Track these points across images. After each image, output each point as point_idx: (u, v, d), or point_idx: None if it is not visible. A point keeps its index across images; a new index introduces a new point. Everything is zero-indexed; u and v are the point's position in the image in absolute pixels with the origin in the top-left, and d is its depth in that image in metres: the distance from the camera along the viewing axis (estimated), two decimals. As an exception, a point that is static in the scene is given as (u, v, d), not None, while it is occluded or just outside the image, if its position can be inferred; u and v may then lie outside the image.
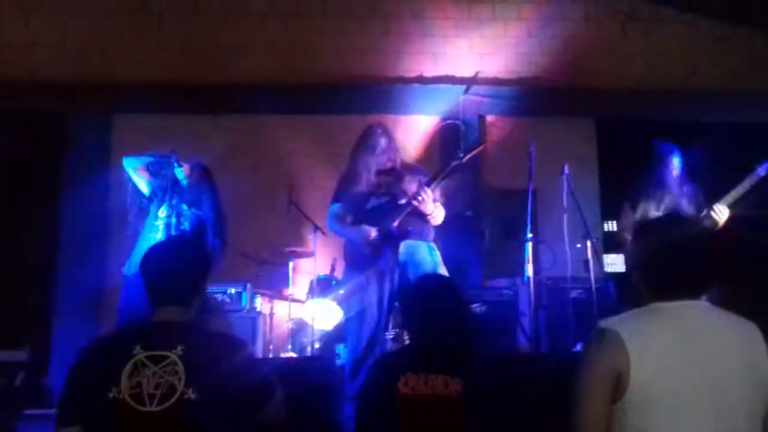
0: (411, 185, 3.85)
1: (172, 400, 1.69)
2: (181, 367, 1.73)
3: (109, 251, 5.37)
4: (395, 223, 3.76)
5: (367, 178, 3.88)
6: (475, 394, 2.36)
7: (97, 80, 5.71)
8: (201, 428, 1.71)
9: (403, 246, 3.79)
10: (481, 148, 3.89)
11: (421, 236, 3.88)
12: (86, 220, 5.51)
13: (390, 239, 3.76)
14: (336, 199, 3.98)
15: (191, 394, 1.70)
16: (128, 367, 1.73)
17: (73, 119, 5.84)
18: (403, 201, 3.78)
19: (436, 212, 3.84)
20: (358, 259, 3.83)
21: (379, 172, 3.90)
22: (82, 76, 5.70)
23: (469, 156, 3.76)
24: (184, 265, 1.94)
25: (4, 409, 3.37)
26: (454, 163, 3.78)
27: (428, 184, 3.74)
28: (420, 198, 3.68)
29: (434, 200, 3.79)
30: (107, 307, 5.23)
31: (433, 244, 3.95)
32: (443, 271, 3.87)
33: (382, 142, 3.92)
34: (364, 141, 3.96)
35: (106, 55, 5.77)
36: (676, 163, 4.24)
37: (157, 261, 1.95)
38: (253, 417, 1.80)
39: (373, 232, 3.74)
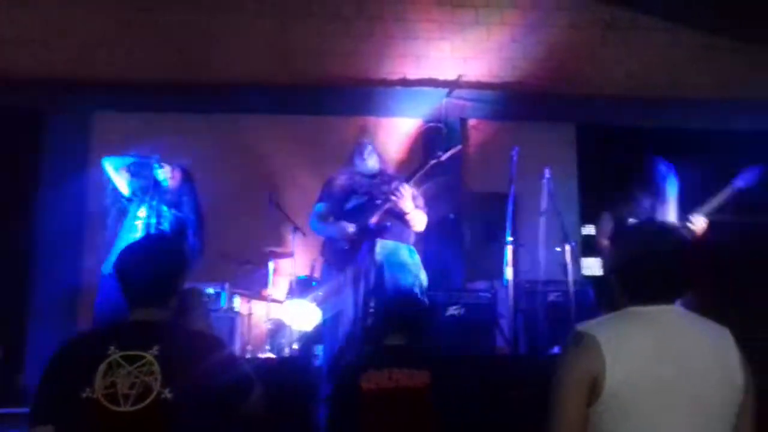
0: (389, 186, 3.91)
1: (148, 400, 1.68)
2: (157, 367, 1.72)
3: (87, 250, 5.30)
4: (373, 219, 3.82)
5: (350, 180, 3.99)
6: (444, 387, 2.35)
7: (76, 76, 5.66)
8: (178, 428, 1.70)
9: (380, 246, 3.84)
10: (458, 148, 4.03)
11: (400, 238, 3.92)
12: (63, 218, 5.42)
13: (367, 235, 3.82)
14: (320, 199, 4.10)
15: (168, 394, 1.69)
16: (102, 366, 1.72)
17: (51, 117, 5.75)
18: (380, 200, 3.85)
19: (415, 214, 3.89)
20: (336, 255, 3.88)
21: (363, 175, 4.02)
22: (61, 73, 5.65)
23: (447, 155, 3.86)
24: (161, 265, 1.92)
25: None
26: (432, 162, 3.88)
27: (406, 181, 3.83)
28: (398, 194, 3.74)
29: (414, 198, 3.86)
30: (84, 306, 5.16)
31: (413, 247, 3.99)
32: (423, 274, 3.89)
33: (370, 153, 4.05)
34: (354, 152, 4.08)
35: (86, 51, 5.73)
36: (671, 183, 4.24)
37: (133, 260, 1.93)
38: (232, 413, 1.79)
39: (351, 228, 3.83)
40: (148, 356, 1.73)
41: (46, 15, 5.76)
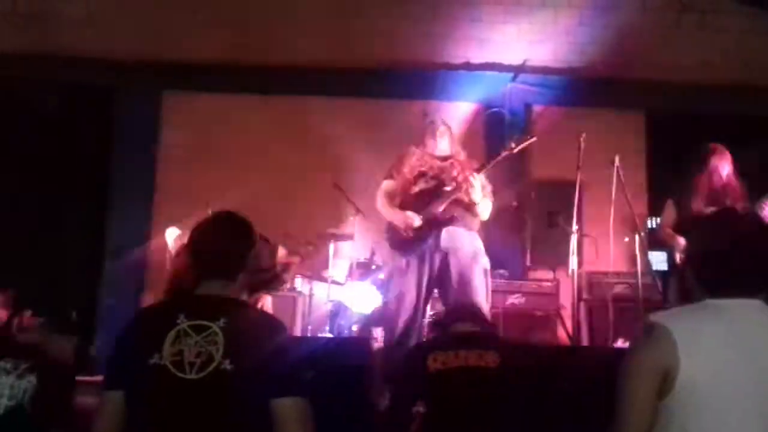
0: (461, 174, 3.81)
1: (209, 368, 1.72)
2: (221, 338, 1.75)
3: (155, 226, 5.47)
4: (440, 209, 3.74)
5: (420, 161, 3.87)
6: (512, 367, 2.34)
7: (144, 57, 5.82)
8: (234, 399, 1.73)
9: (445, 232, 3.77)
10: (532, 140, 3.83)
11: (466, 225, 3.84)
12: (133, 194, 5.62)
13: (433, 225, 3.74)
14: (389, 176, 3.98)
15: (227, 365, 1.71)
16: (171, 334, 1.76)
17: (122, 95, 5.94)
18: (449, 187, 3.76)
19: (483, 203, 3.82)
20: (400, 241, 3.82)
21: (434, 157, 3.90)
22: (130, 53, 5.82)
23: (520, 147, 3.74)
24: (232, 240, 1.96)
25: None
26: (504, 153, 3.78)
27: (477, 171, 3.73)
28: (468, 184, 3.67)
29: (483, 188, 3.78)
30: (152, 279, 5.36)
31: (476, 233, 3.92)
32: (485, 260, 3.85)
33: (443, 134, 3.94)
34: (427, 131, 3.97)
35: (154, 32, 5.88)
36: (725, 165, 4.11)
37: (205, 234, 1.98)
38: (268, 400, 1.75)
39: (416, 221, 3.74)
40: (214, 327, 1.76)
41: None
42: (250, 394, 1.73)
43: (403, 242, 3.80)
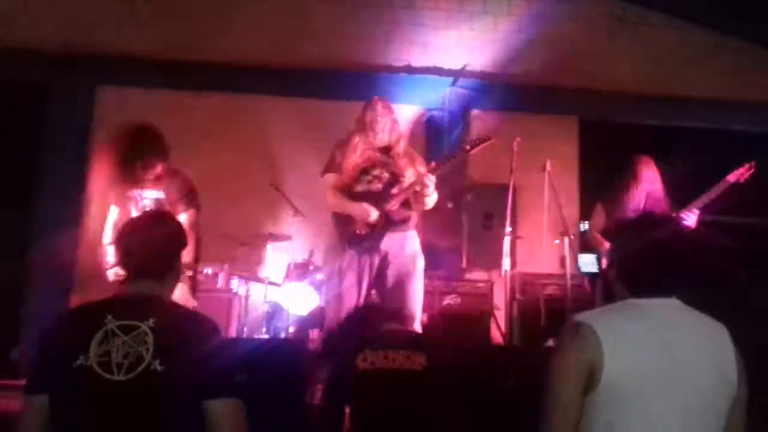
0: (406, 168, 3.77)
1: (138, 369, 1.68)
2: (150, 338, 1.72)
3: (86, 223, 5.30)
4: (390, 207, 3.69)
5: (363, 151, 3.76)
6: (439, 369, 2.36)
7: (78, 50, 5.63)
8: (165, 400, 1.70)
9: (387, 235, 3.71)
10: (489, 142, 3.75)
11: (407, 225, 3.81)
12: (64, 191, 5.43)
13: (387, 224, 3.69)
14: (330, 168, 3.84)
15: (157, 366, 1.69)
16: (98, 335, 1.72)
17: (54, 89, 5.74)
18: (405, 186, 3.70)
19: (432, 197, 3.76)
20: (352, 236, 3.72)
21: (376, 149, 3.80)
22: (63, 46, 5.63)
23: (476, 149, 3.69)
24: (162, 239, 1.93)
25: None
26: (459, 154, 3.75)
27: (432, 172, 3.66)
28: (424, 184, 3.61)
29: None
30: (81, 280, 5.19)
31: (415, 231, 3.88)
32: (422, 261, 3.85)
33: (383, 117, 3.81)
34: (365, 114, 3.84)
35: (92, 26, 5.70)
36: (651, 176, 4.30)
37: (133, 233, 1.94)
38: (200, 401, 1.72)
39: (373, 215, 3.65)
40: (144, 326, 1.73)
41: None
42: (181, 396, 1.70)
43: (354, 237, 3.71)
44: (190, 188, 3.76)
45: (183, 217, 3.58)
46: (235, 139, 5.66)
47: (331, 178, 3.81)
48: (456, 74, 5.96)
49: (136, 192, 3.68)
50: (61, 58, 5.63)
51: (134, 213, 3.61)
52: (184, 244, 1.99)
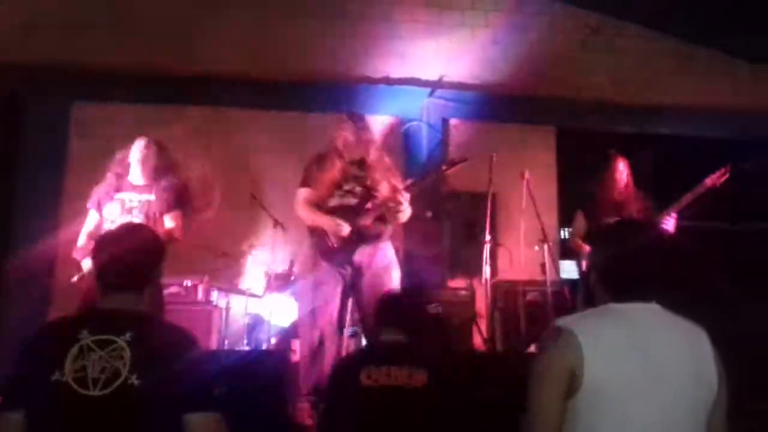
0: (380, 182, 3.81)
1: (116, 384, 1.67)
2: (127, 353, 1.70)
3: (64, 238, 5.23)
4: (365, 223, 3.72)
5: (337, 166, 3.80)
6: (440, 383, 2.37)
7: (55, 64, 5.58)
8: (143, 415, 1.68)
9: (362, 248, 3.76)
10: (464, 162, 3.83)
11: (383, 238, 3.85)
12: (41, 206, 5.36)
13: (360, 238, 3.72)
14: (306, 182, 3.87)
15: (135, 380, 1.67)
16: (74, 350, 1.70)
17: (30, 103, 5.67)
18: (378, 202, 3.74)
19: (406, 211, 3.83)
20: (325, 249, 3.75)
21: (351, 162, 3.83)
22: (40, 59, 5.57)
23: (452, 169, 3.76)
24: (139, 252, 1.91)
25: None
26: (435, 174, 3.85)
27: (407, 190, 3.71)
28: (397, 201, 3.67)
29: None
30: (58, 294, 5.12)
31: (388, 243, 3.91)
32: (397, 270, 3.87)
33: (358, 131, 3.85)
34: (339, 131, 3.88)
35: (66, 39, 5.65)
36: (623, 172, 4.38)
37: (109, 246, 1.92)
38: (179, 415, 1.71)
39: (345, 229, 3.68)
40: (120, 341, 1.72)
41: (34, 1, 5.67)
42: (159, 410, 1.69)
43: (328, 251, 3.73)
44: (180, 192, 3.88)
45: (168, 221, 3.76)
46: (214, 152, 5.63)
47: (303, 192, 3.86)
48: (434, 85, 6.00)
49: (123, 195, 3.78)
50: (37, 72, 5.57)
51: (120, 217, 3.70)
52: (161, 257, 1.97)
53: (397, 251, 4.02)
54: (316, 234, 3.79)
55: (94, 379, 1.67)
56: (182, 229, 3.86)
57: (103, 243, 1.94)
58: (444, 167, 3.78)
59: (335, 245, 3.72)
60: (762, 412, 3.14)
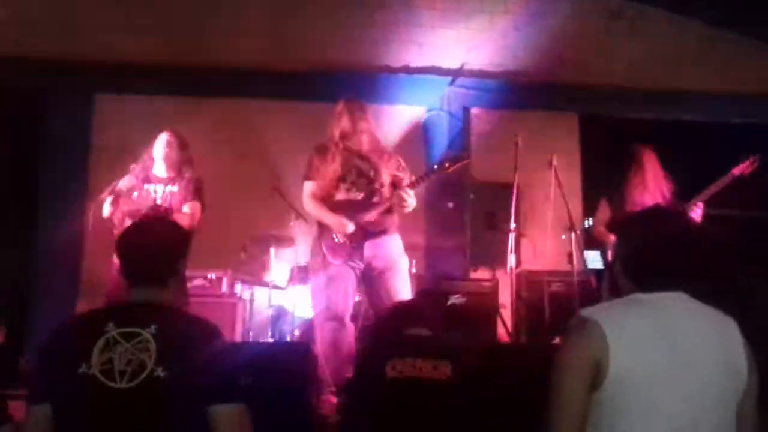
0: (383, 172, 3.79)
1: (142, 376, 1.67)
2: (153, 345, 1.71)
3: (89, 233, 5.29)
4: (369, 218, 3.71)
5: (339, 157, 3.76)
6: (464, 376, 2.37)
7: (76, 57, 5.64)
8: (169, 407, 1.69)
9: (369, 241, 3.75)
10: (466, 161, 3.82)
11: (390, 230, 3.83)
12: (65, 200, 5.42)
13: (364, 235, 3.71)
14: (309, 175, 3.85)
15: (160, 372, 1.68)
16: (100, 343, 1.71)
17: (52, 97, 5.73)
18: (383, 196, 3.74)
19: (413, 202, 3.78)
20: (332, 245, 3.74)
21: (351, 153, 3.80)
22: (61, 53, 5.63)
23: (453, 168, 3.69)
24: (162, 245, 1.91)
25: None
26: (436, 173, 3.74)
27: (410, 187, 3.68)
28: (402, 198, 3.65)
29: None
30: (86, 289, 5.19)
31: (395, 234, 3.88)
32: (405, 259, 3.86)
33: (358, 120, 3.80)
34: (339, 120, 3.84)
35: (89, 33, 5.70)
36: (653, 166, 4.29)
37: (134, 239, 1.93)
38: (204, 407, 1.71)
39: (350, 227, 3.68)
40: (146, 334, 1.72)
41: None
42: (184, 402, 1.69)
43: (335, 247, 3.73)
44: (198, 185, 4.02)
45: (186, 208, 3.90)
46: (236, 144, 5.65)
47: (309, 186, 3.84)
48: (454, 74, 5.95)
49: (149, 186, 3.94)
50: (59, 65, 5.64)
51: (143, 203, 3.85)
52: (185, 249, 1.97)
53: (418, 244, 4.00)
54: (324, 229, 3.79)
55: (121, 371, 1.68)
56: (200, 220, 3.97)
57: (127, 236, 1.94)
58: (446, 165, 3.68)
59: (340, 241, 3.72)
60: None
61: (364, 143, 3.81)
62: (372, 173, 3.78)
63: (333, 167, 3.75)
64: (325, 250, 3.73)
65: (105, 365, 1.69)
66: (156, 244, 1.89)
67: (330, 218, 3.73)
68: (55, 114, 5.69)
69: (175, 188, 3.96)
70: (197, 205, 3.97)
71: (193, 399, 1.69)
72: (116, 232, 3.62)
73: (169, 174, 4.00)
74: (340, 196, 3.77)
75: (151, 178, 3.99)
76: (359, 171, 3.77)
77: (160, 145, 4.00)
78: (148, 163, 4.01)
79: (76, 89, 5.73)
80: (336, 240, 3.71)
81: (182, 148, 4.05)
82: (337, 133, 3.80)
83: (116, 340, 1.72)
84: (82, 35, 5.70)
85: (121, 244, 1.92)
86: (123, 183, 3.92)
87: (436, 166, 3.73)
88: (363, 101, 3.95)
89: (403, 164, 3.87)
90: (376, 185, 3.76)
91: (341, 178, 3.75)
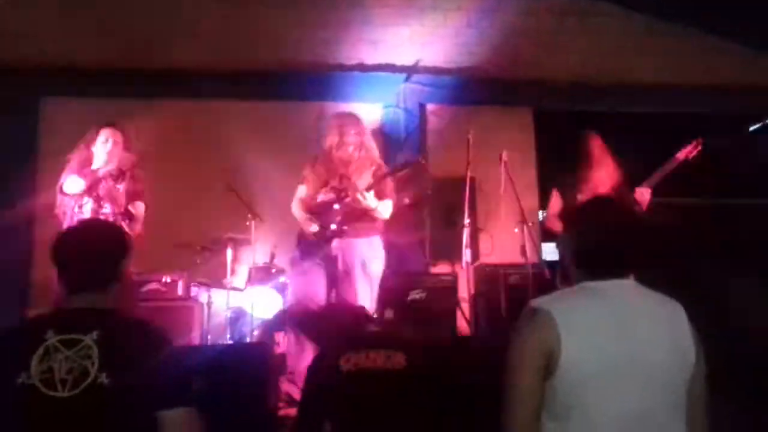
0: (363, 180, 3.96)
1: (84, 384, 1.64)
2: (95, 351, 1.67)
3: (36, 241, 5.17)
4: (337, 220, 3.90)
5: (326, 166, 4.04)
6: (418, 367, 2.38)
7: (20, 61, 5.48)
8: (114, 414, 1.65)
9: (336, 241, 3.95)
10: (417, 161, 4.26)
11: (356, 234, 3.98)
12: (11, 207, 5.26)
13: (333, 234, 3.92)
14: (301, 181, 4.17)
15: (104, 379, 1.64)
16: (39, 351, 1.67)
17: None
18: (345, 201, 3.91)
19: (381, 205, 3.99)
20: (306, 244, 4.00)
21: (340, 161, 4.03)
22: (4, 57, 5.46)
23: (405, 170, 4.07)
24: (101, 248, 1.86)
25: None
26: (390, 172, 4.05)
27: (367, 189, 3.90)
28: (355, 200, 3.84)
29: (380, 192, 3.96)
30: (33, 298, 5.05)
31: (372, 238, 4.07)
32: (378, 263, 4.02)
33: (345, 133, 4.05)
34: (329, 130, 4.11)
35: (30, 36, 5.55)
36: (597, 150, 4.36)
37: (71, 243, 1.88)
38: (153, 413, 1.69)
39: (313, 227, 3.94)
40: (87, 340, 1.68)
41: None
42: (132, 408, 1.65)
43: (307, 245, 3.99)
44: (143, 184, 4.06)
45: (141, 206, 3.95)
46: (189, 145, 5.56)
47: (299, 190, 4.15)
48: (409, 70, 5.97)
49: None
50: (4, 69, 5.47)
51: (85, 200, 3.82)
52: (125, 252, 1.92)
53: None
54: (301, 230, 4.07)
55: (62, 379, 1.64)
56: (143, 223, 3.98)
57: (64, 241, 1.88)
58: (393, 170, 4.03)
59: (312, 240, 3.97)
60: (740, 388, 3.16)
61: (352, 153, 4.05)
62: (350, 176, 4.00)
63: (319, 174, 4.06)
64: (299, 248, 4.03)
65: (45, 374, 1.64)
66: (94, 248, 1.84)
67: (300, 219, 4.04)
68: (2, 119, 5.52)
69: (120, 187, 3.93)
70: (141, 205, 3.98)
71: (139, 405, 1.66)
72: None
73: (111, 171, 3.94)
74: (319, 199, 4.04)
75: (90, 173, 3.92)
76: (341, 178, 4.01)
77: (101, 140, 3.98)
78: (83, 158, 3.97)
79: (22, 93, 5.57)
80: (308, 239, 3.97)
81: (126, 144, 4.04)
82: (327, 145, 4.08)
83: (56, 348, 1.67)
84: (28, 39, 5.55)
85: (58, 249, 1.86)
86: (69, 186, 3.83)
87: (387, 171, 4.04)
88: (354, 114, 4.26)
89: (382, 171, 4.08)
90: (344, 190, 3.95)
91: (324, 183, 4.04)
